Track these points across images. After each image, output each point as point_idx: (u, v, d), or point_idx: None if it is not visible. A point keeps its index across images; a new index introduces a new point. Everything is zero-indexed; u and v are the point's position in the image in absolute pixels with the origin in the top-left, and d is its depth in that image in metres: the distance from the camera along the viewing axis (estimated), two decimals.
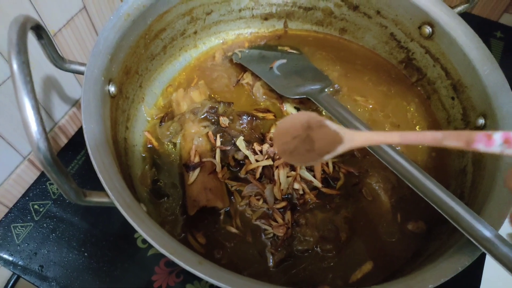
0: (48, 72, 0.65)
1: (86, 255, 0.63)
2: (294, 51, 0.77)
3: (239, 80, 0.73)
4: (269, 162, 0.60)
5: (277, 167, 0.60)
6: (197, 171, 0.60)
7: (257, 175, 0.60)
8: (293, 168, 0.61)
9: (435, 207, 0.48)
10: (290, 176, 0.60)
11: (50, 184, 0.69)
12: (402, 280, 0.43)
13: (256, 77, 0.73)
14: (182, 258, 0.40)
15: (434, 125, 0.69)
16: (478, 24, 0.60)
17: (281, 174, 0.59)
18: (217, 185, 0.60)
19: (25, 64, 0.34)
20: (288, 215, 0.58)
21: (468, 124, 0.62)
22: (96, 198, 0.42)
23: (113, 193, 0.42)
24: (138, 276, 0.61)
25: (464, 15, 0.64)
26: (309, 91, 0.67)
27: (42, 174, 0.70)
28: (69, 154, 0.71)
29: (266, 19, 0.79)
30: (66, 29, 0.63)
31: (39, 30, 0.44)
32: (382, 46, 0.75)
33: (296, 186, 0.59)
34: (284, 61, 0.74)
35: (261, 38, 0.80)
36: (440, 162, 0.66)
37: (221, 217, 0.59)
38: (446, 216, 0.47)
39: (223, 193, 0.60)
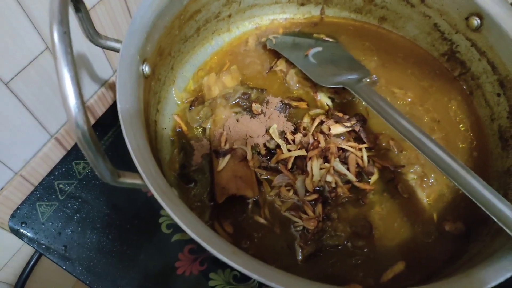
0: (79, 50, 0.64)
1: (110, 237, 0.62)
2: (330, 39, 0.74)
3: (272, 66, 0.71)
4: (303, 152, 0.58)
5: (310, 158, 0.58)
6: (227, 157, 0.58)
7: (289, 165, 0.58)
8: (326, 159, 0.58)
9: (481, 207, 0.45)
10: (323, 168, 0.58)
11: (76, 163, 0.68)
12: (439, 285, 0.40)
13: (290, 64, 0.70)
14: (216, 247, 0.38)
15: (477, 122, 0.65)
16: None
17: (314, 166, 0.57)
18: (247, 173, 0.58)
19: (66, 35, 0.32)
20: (319, 208, 0.56)
21: None
22: (130, 180, 0.41)
23: (147, 175, 0.40)
24: (161, 261, 0.60)
25: None
26: (346, 80, 0.64)
27: (68, 154, 0.69)
28: (96, 135, 0.70)
29: (302, 4, 0.76)
30: (100, 5, 0.61)
31: (77, 3, 0.42)
32: (424, 37, 0.72)
33: (329, 178, 0.57)
34: (320, 49, 0.71)
35: (296, 25, 0.77)
36: (481, 162, 0.62)
37: (250, 206, 0.58)
38: (492, 216, 0.44)
39: (253, 181, 0.58)
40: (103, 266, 0.60)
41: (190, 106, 0.65)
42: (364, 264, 0.54)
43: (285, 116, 0.63)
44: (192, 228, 0.38)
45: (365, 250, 0.54)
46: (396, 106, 0.64)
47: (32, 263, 0.74)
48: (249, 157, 0.59)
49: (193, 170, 0.60)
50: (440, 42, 0.70)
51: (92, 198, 0.65)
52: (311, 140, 0.59)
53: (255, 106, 0.62)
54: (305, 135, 0.60)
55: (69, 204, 0.64)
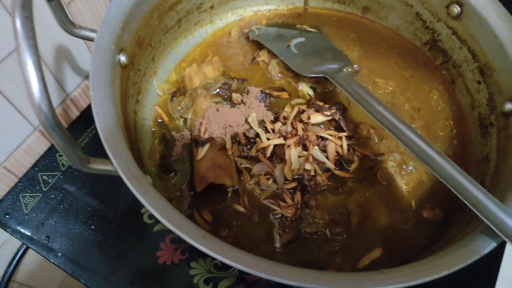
0: (61, 43, 0.64)
1: (92, 228, 0.62)
2: (313, 30, 0.74)
3: (254, 57, 0.71)
4: (281, 141, 0.58)
5: (288, 146, 0.58)
6: (206, 147, 0.59)
7: (268, 154, 0.58)
8: (305, 148, 0.59)
9: (455, 193, 0.45)
10: (301, 156, 0.58)
11: (60, 156, 0.68)
12: (414, 265, 0.40)
13: (272, 55, 0.70)
14: (185, 231, 0.38)
15: (458, 111, 0.65)
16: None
17: (293, 154, 0.57)
18: (227, 162, 0.58)
19: (29, 20, 0.33)
20: (297, 196, 0.56)
21: (494, 109, 0.59)
22: (100, 166, 0.41)
23: (117, 161, 0.40)
24: (143, 251, 0.61)
25: None
26: (327, 70, 0.64)
27: (52, 146, 0.69)
28: (79, 126, 0.71)
29: None
30: None
31: None
32: (406, 26, 0.72)
33: (308, 166, 0.57)
34: (302, 39, 0.71)
35: (280, 16, 0.77)
36: (462, 150, 0.62)
37: (229, 195, 0.58)
38: (466, 202, 0.44)
39: (232, 170, 0.58)
40: (85, 256, 0.60)
41: (172, 96, 0.65)
42: (342, 251, 0.54)
43: (265, 106, 0.63)
44: (161, 211, 0.39)
45: (343, 236, 0.55)
46: (377, 95, 0.65)
47: (18, 256, 0.75)
48: (228, 146, 0.59)
49: (174, 160, 0.60)
50: (422, 31, 0.70)
51: (75, 190, 0.65)
52: (289, 129, 0.59)
53: (235, 96, 0.62)
54: (284, 124, 0.60)
55: (53, 195, 0.65)
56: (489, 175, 0.55)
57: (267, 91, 0.64)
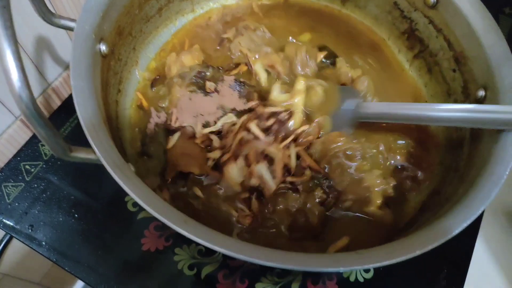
0: (42, 32, 0.63)
1: (76, 216, 0.63)
2: None
3: (223, 39, 0.71)
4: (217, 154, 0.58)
5: (224, 162, 0.56)
6: (176, 135, 0.59)
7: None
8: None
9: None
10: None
11: (42, 145, 0.68)
12: (389, 245, 0.42)
13: (239, 34, 0.70)
14: (167, 217, 0.39)
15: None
16: (487, 1, 0.58)
17: (232, 169, 0.56)
18: (196, 151, 0.59)
19: (6, 9, 0.33)
20: (254, 205, 0.56)
21: (468, 96, 0.61)
22: (82, 154, 0.42)
23: (99, 149, 0.41)
24: (127, 239, 0.61)
25: None
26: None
27: (34, 135, 0.69)
28: (62, 116, 0.71)
29: None
30: None
31: None
32: (385, 16, 0.73)
33: (253, 181, 0.56)
34: None
35: (263, 6, 0.77)
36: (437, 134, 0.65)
37: (190, 177, 0.58)
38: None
39: (201, 159, 0.59)
40: (69, 245, 0.60)
41: (151, 86, 0.65)
42: (307, 245, 0.56)
43: (238, 94, 0.63)
44: (144, 198, 0.40)
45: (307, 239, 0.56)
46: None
47: (2, 246, 0.75)
48: (197, 135, 0.59)
49: (150, 142, 0.61)
50: (400, 20, 0.71)
51: (58, 179, 0.65)
52: (229, 143, 0.58)
53: (209, 84, 0.62)
54: (225, 137, 0.59)
55: (35, 185, 0.65)
56: (463, 160, 0.57)
57: (241, 80, 0.65)
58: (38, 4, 0.47)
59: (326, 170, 0.59)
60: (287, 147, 0.58)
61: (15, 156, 0.67)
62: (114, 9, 0.55)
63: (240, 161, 0.56)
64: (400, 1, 0.69)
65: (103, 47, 0.53)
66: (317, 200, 0.57)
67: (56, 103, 0.72)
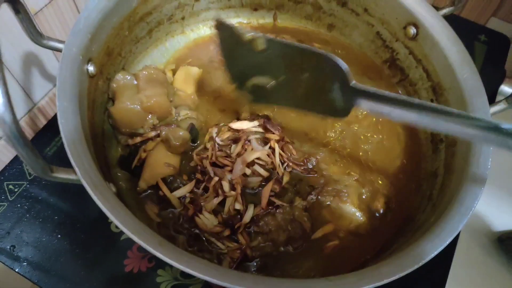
0: (28, 51, 0.64)
1: (59, 237, 0.63)
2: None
3: None
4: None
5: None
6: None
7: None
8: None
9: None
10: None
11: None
12: (359, 273, 0.43)
13: None
14: (142, 238, 0.40)
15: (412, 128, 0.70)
16: (464, 27, 0.60)
17: (206, 218, 0.57)
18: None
19: None
20: (242, 238, 0.56)
21: None
22: (63, 175, 0.43)
23: (80, 170, 0.42)
24: (110, 259, 0.61)
25: (452, 17, 0.64)
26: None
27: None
28: (47, 135, 0.71)
29: (255, 9, 0.79)
30: (48, 8, 0.62)
31: (16, 4, 0.44)
32: (368, 44, 0.76)
33: (237, 206, 0.57)
34: None
35: (252, 29, 0.80)
36: (415, 166, 0.67)
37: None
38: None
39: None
40: (52, 265, 0.60)
41: None
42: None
43: None
44: (120, 218, 0.41)
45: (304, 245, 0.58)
46: None
47: None
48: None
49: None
50: (383, 49, 0.74)
51: (42, 198, 0.65)
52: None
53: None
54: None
55: (19, 204, 0.65)
56: (437, 189, 0.59)
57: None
58: (27, 26, 0.48)
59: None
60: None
61: None
62: (103, 31, 0.57)
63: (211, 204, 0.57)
64: (382, 31, 0.72)
65: (91, 68, 0.54)
66: (300, 206, 0.59)
67: (42, 122, 0.73)
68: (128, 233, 0.40)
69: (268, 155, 0.60)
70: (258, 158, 0.59)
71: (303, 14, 0.79)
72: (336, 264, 0.57)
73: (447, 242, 0.46)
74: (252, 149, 0.60)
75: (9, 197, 0.65)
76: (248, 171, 0.59)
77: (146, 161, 0.61)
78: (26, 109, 0.69)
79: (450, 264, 0.64)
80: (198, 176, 0.60)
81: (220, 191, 0.57)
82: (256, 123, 0.64)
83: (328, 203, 0.60)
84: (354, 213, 0.60)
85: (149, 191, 0.60)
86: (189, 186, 0.58)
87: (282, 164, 0.62)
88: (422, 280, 0.63)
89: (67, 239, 0.63)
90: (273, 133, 0.63)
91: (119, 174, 0.61)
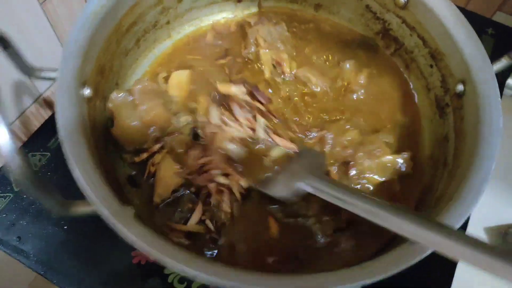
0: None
1: (65, 228, 0.62)
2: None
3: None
4: None
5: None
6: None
7: None
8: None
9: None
10: None
11: (32, 155, 0.68)
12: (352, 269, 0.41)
13: None
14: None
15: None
16: (470, 20, 0.59)
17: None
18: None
19: None
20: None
21: (447, 90, 0.63)
22: (82, 208, 0.42)
23: (101, 201, 0.42)
24: (117, 251, 0.61)
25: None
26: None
27: (24, 145, 0.69)
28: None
29: (239, 1, 0.77)
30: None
31: (2, 41, 0.43)
32: (358, 18, 0.75)
33: (242, 183, 0.58)
34: None
35: (237, 22, 0.78)
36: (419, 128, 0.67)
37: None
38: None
39: None
40: (58, 257, 0.60)
41: None
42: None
43: None
44: (157, 248, 0.41)
45: None
46: None
47: None
48: None
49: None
50: (373, 21, 0.73)
51: (45, 179, 0.65)
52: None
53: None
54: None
55: (24, 196, 0.64)
56: (450, 154, 0.59)
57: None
58: (17, 60, 0.47)
59: None
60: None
61: (3, 166, 0.66)
62: (93, 50, 0.55)
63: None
64: (371, 3, 0.71)
65: (87, 91, 0.53)
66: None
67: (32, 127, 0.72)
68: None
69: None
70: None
71: None
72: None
73: (471, 210, 0.46)
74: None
75: (14, 188, 0.65)
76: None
77: (156, 175, 0.60)
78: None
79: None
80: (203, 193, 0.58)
81: (222, 188, 0.57)
82: (243, 88, 0.63)
83: (368, 164, 0.60)
84: (394, 158, 0.61)
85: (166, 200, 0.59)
86: (198, 213, 0.57)
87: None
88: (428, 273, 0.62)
89: (73, 230, 0.62)
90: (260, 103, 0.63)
91: (131, 193, 0.60)
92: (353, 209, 0.47)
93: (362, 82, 0.69)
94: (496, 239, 0.71)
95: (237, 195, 0.57)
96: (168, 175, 0.59)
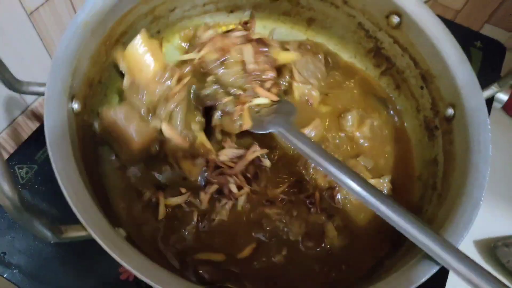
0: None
1: (52, 243, 0.61)
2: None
3: None
4: None
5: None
6: None
7: None
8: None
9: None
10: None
11: (19, 168, 0.66)
12: None
13: None
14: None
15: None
16: (459, 33, 0.60)
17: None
18: None
19: None
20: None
21: (437, 113, 0.63)
22: (74, 233, 0.41)
23: (91, 227, 0.40)
24: (105, 267, 0.60)
25: (446, 23, 0.61)
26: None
27: (10, 158, 0.67)
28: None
29: (231, 11, 0.76)
30: (44, 7, 0.59)
31: None
32: (351, 35, 0.75)
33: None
34: None
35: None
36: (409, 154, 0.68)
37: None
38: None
39: None
40: (45, 272, 0.59)
41: None
42: None
43: None
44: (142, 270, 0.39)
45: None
46: None
47: None
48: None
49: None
50: (366, 39, 0.73)
51: (35, 204, 0.63)
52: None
53: None
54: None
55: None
56: (439, 178, 0.60)
57: None
58: (4, 75, 0.45)
59: None
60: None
61: None
62: (81, 63, 0.53)
63: None
64: (364, 21, 0.71)
65: (75, 105, 0.51)
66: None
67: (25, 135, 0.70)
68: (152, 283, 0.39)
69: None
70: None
71: (281, 10, 0.77)
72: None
73: (464, 235, 0.46)
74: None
75: None
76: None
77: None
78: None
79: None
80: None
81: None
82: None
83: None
84: (375, 183, 0.63)
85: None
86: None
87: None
88: None
89: (61, 245, 0.61)
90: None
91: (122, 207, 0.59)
92: (307, 156, 0.54)
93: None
94: (485, 252, 0.73)
95: (239, 207, 0.60)
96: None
